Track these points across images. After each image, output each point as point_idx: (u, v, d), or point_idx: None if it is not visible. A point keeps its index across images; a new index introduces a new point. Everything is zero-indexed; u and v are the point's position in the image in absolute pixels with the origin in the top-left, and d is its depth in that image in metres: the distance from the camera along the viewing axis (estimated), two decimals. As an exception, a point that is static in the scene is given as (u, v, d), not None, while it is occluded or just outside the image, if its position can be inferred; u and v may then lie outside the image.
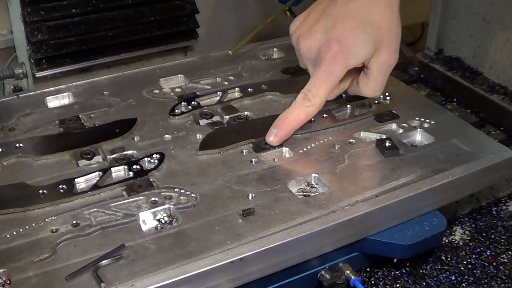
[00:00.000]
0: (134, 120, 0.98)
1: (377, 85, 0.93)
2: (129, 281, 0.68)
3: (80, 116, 1.00)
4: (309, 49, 0.90)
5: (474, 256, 0.91)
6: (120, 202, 0.81)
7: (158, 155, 0.89)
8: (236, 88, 1.08)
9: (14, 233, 0.75)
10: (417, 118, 0.99)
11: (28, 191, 0.82)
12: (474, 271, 0.88)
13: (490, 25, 1.26)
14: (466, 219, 0.98)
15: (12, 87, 1.24)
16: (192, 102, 1.03)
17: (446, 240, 0.93)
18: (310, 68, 0.93)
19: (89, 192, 0.82)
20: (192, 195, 0.82)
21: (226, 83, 1.11)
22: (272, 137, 0.91)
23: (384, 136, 0.95)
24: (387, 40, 0.88)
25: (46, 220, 0.77)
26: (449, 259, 0.90)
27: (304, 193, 0.85)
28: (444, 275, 0.87)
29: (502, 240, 0.94)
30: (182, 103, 1.03)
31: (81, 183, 0.84)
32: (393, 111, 1.01)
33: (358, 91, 0.95)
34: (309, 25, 0.91)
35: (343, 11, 0.88)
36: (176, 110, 1.01)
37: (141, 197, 0.82)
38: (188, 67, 1.16)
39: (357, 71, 0.94)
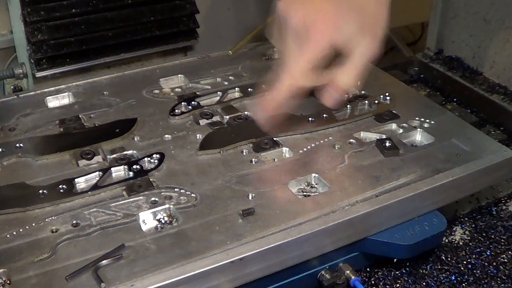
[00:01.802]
0: (134, 120, 0.98)
1: (355, 73, 0.88)
2: (129, 281, 0.68)
3: (80, 116, 1.00)
4: (298, 22, 0.85)
5: (474, 256, 0.91)
6: (120, 202, 0.81)
7: (158, 155, 0.89)
8: (236, 88, 1.08)
9: (14, 233, 0.75)
10: (417, 118, 0.99)
11: (28, 191, 0.82)
12: (474, 271, 0.88)
13: (490, 25, 1.26)
14: (466, 219, 0.98)
15: (12, 87, 1.24)
16: (192, 102, 1.03)
17: (446, 240, 0.93)
18: (290, 42, 0.87)
19: (89, 192, 0.82)
20: (192, 195, 0.82)
21: (226, 83, 1.11)
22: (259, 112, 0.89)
23: (384, 136, 0.95)
24: (374, 28, 0.86)
25: (46, 220, 0.77)
26: (449, 259, 0.90)
27: (304, 193, 0.85)
28: (444, 275, 0.87)
29: (502, 240, 0.94)
30: (182, 103, 1.03)
31: (81, 183, 0.84)
32: (393, 111, 1.01)
33: (335, 80, 0.88)
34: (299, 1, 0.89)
35: None
36: (176, 110, 1.01)
37: (141, 197, 0.82)
38: (188, 67, 1.16)
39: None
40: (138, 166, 0.87)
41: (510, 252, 0.91)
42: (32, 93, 1.07)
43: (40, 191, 0.82)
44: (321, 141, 0.94)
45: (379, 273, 0.88)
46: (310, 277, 0.81)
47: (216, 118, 1.00)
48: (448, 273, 0.87)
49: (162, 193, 0.82)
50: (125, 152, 0.91)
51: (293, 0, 0.90)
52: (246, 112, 1.02)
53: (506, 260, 0.90)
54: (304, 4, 0.87)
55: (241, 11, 1.52)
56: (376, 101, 1.04)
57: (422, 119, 0.99)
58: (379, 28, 0.87)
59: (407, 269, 0.88)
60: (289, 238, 0.74)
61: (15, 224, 0.76)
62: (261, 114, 0.90)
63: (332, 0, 0.86)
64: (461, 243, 0.93)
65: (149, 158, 0.89)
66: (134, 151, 0.91)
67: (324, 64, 0.88)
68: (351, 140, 0.94)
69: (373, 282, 0.86)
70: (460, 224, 0.97)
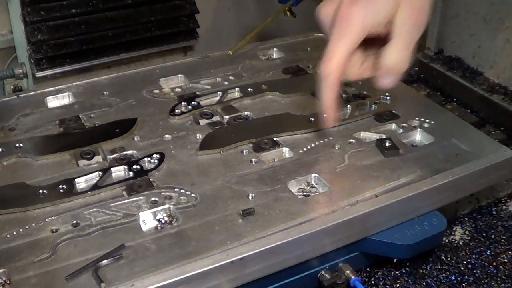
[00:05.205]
0: (134, 120, 0.98)
1: (400, 49, 0.80)
2: (129, 281, 0.68)
3: (80, 116, 1.00)
4: (326, 15, 0.82)
5: (474, 256, 0.91)
6: (120, 202, 0.81)
7: (158, 155, 0.89)
8: (236, 88, 1.08)
9: (14, 233, 0.75)
10: (417, 118, 0.99)
11: (28, 191, 0.82)
12: (474, 271, 0.88)
13: (490, 25, 1.26)
14: (466, 219, 0.98)
15: (12, 87, 1.24)
16: (192, 102, 1.03)
17: (446, 240, 0.93)
18: (328, 37, 0.83)
19: (89, 192, 0.82)
20: (192, 195, 0.82)
21: (226, 83, 1.11)
22: (326, 123, 0.86)
23: (384, 136, 0.95)
24: None
25: (46, 220, 0.77)
26: (449, 259, 0.90)
27: (304, 193, 0.85)
28: (444, 275, 0.87)
29: (502, 240, 0.94)
30: (182, 103, 1.03)
31: (81, 183, 0.84)
32: (393, 111, 1.01)
33: (382, 62, 0.81)
34: None
35: None
36: (176, 110, 1.01)
37: (141, 197, 0.82)
38: (188, 67, 1.16)
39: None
40: (138, 166, 0.87)
41: (510, 252, 0.91)
42: (32, 93, 1.07)
43: (40, 191, 0.82)
44: (321, 141, 0.94)
45: (379, 273, 0.88)
46: (310, 277, 0.81)
47: (216, 118, 1.00)
48: (448, 273, 0.87)
49: (162, 193, 0.82)
50: (125, 152, 0.91)
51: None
52: (246, 112, 1.02)
53: (506, 260, 0.90)
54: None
55: (241, 11, 1.52)
56: (376, 101, 1.04)
57: (422, 119, 0.99)
58: None
59: (407, 269, 0.88)
60: (289, 238, 0.74)
61: (15, 224, 0.76)
62: (330, 122, 0.87)
63: None
64: (461, 243, 0.93)
65: (149, 158, 0.89)
66: (134, 151, 0.91)
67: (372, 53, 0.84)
68: (351, 140, 0.94)
69: (373, 282, 0.86)
70: (460, 224, 0.97)
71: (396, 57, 0.80)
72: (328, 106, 0.84)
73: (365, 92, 1.07)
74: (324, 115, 0.86)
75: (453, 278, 0.87)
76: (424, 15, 0.80)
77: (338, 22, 0.79)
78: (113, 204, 0.80)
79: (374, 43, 0.83)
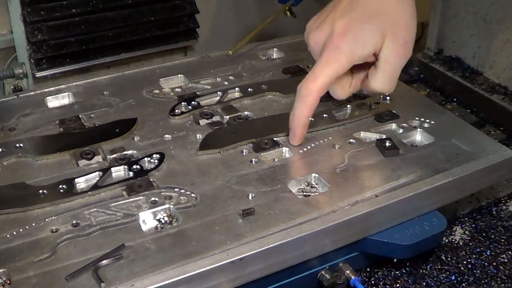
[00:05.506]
0: (134, 120, 0.98)
1: (385, 78, 0.88)
2: (129, 281, 0.68)
3: (80, 116, 1.00)
4: (316, 43, 0.88)
5: (474, 256, 0.91)
6: (120, 202, 0.81)
7: (158, 155, 0.89)
8: (236, 88, 1.08)
9: (14, 233, 0.75)
10: (417, 118, 1.00)
11: (28, 191, 0.82)
12: (474, 271, 0.88)
13: (490, 25, 1.26)
14: (466, 219, 0.98)
15: (12, 87, 1.24)
16: (192, 102, 1.03)
17: (446, 240, 0.93)
18: (316, 59, 0.90)
19: (89, 192, 0.82)
20: (192, 195, 0.82)
21: (226, 83, 1.11)
22: (292, 140, 0.92)
23: (384, 136, 0.95)
24: (394, 29, 0.85)
25: (46, 220, 0.77)
26: (449, 259, 0.90)
27: (304, 193, 0.85)
28: (444, 275, 0.87)
29: (502, 240, 0.94)
30: (182, 103, 1.03)
31: (81, 183, 0.84)
32: (393, 111, 1.01)
33: (368, 85, 0.90)
34: (319, 20, 0.90)
35: (351, 3, 0.87)
36: (176, 110, 1.01)
37: (141, 197, 0.82)
38: (188, 67, 1.16)
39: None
40: (138, 166, 0.87)
41: (510, 252, 0.91)
42: (32, 93, 1.07)
43: (40, 191, 0.82)
44: (321, 141, 0.94)
45: (379, 273, 0.88)
46: (310, 277, 0.81)
47: (216, 118, 1.00)
48: (448, 273, 0.87)
49: (162, 193, 0.82)
50: (125, 152, 0.91)
51: (315, 22, 0.90)
52: (246, 112, 1.02)
53: (506, 260, 0.90)
54: (322, 25, 0.88)
55: (241, 11, 1.52)
56: (376, 101, 1.04)
57: (422, 119, 0.99)
58: (402, 29, 0.86)
59: (407, 269, 0.88)
60: (289, 238, 0.74)
61: (15, 224, 0.76)
62: (295, 133, 0.91)
63: (350, 12, 0.86)
64: (461, 243, 0.93)
65: (149, 158, 0.89)
66: (134, 151, 0.91)
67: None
68: (351, 140, 0.94)
69: (373, 282, 0.86)
70: (460, 224, 0.97)
71: (382, 84, 0.88)
72: (299, 124, 0.91)
73: (365, 92, 1.07)
74: (292, 131, 0.91)
75: (453, 278, 0.87)
76: (408, 47, 0.87)
77: (329, 48, 0.85)
78: (113, 204, 0.80)
79: (362, 65, 0.89)
